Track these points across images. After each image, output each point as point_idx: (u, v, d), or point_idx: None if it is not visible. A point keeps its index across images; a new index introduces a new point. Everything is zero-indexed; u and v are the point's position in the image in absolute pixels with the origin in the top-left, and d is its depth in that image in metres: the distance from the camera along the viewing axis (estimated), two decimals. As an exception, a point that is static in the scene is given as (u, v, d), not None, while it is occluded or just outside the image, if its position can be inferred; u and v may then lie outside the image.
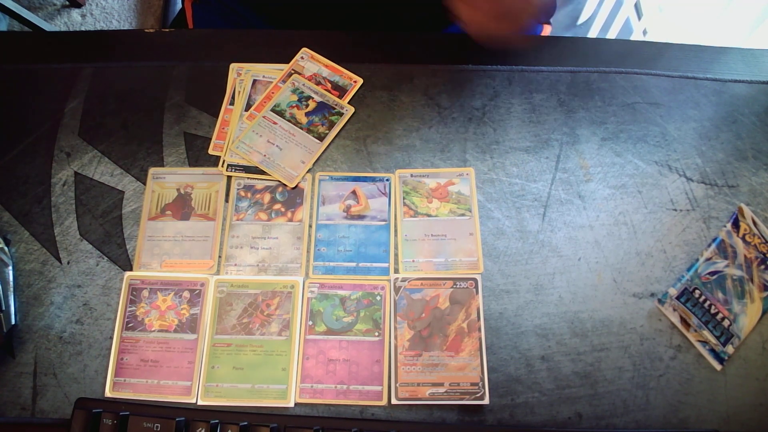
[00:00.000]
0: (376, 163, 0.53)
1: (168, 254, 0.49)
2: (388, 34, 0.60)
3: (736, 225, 0.50)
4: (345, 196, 0.51)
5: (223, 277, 0.48)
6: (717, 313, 0.47)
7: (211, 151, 0.53)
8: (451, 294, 0.48)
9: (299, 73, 0.56)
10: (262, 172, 0.52)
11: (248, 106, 0.55)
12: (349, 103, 0.55)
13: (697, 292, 0.48)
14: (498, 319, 0.47)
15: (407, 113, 0.55)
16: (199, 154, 0.53)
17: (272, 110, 0.54)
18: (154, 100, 0.55)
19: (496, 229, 0.50)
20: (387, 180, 0.52)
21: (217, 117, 0.54)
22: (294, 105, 0.54)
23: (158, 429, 0.41)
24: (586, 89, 0.56)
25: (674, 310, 0.47)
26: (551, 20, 0.72)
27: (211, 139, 0.53)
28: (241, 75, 0.56)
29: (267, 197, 0.51)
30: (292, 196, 0.51)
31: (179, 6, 0.77)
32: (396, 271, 0.49)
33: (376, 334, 0.47)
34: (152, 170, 0.52)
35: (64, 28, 1.48)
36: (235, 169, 0.52)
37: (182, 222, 0.50)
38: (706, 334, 0.46)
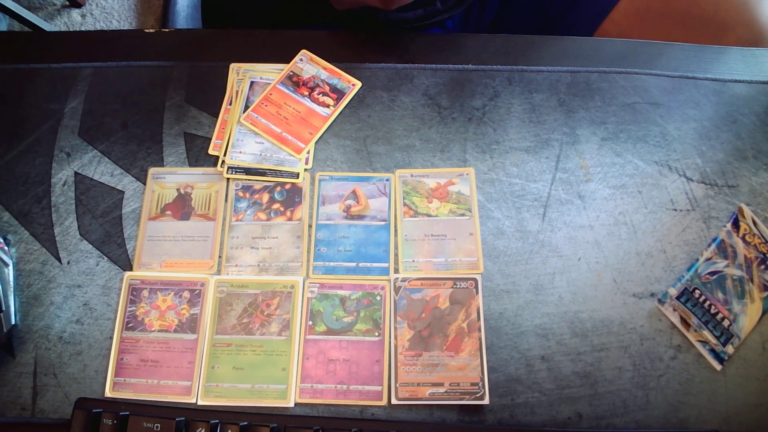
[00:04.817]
0: (376, 163, 0.53)
1: (168, 254, 0.49)
2: (388, 34, 0.60)
3: (736, 225, 0.50)
4: (345, 196, 0.51)
5: (223, 277, 0.48)
6: (717, 313, 0.47)
7: (211, 151, 0.53)
8: (451, 294, 0.48)
9: (298, 76, 0.56)
10: (264, 173, 0.52)
11: (246, 108, 0.55)
12: (348, 105, 0.55)
13: (697, 292, 0.48)
14: (498, 319, 0.47)
15: (407, 113, 0.55)
16: (199, 154, 0.53)
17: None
18: (154, 100, 0.55)
19: (496, 229, 0.50)
20: (387, 180, 0.52)
21: (217, 117, 0.54)
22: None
23: (158, 429, 0.41)
24: (586, 89, 0.56)
25: (674, 310, 0.47)
26: None
27: (211, 139, 0.53)
28: (239, 75, 0.56)
29: (265, 197, 0.51)
30: (291, 195, 0.51)
31: (179, 6, 0.77)
32: (396, 271, 0.49)
33: (376, 334, 0.47)
34: (152, 170, 0.52)
35: (64, 28, 1.48)
36: (236, 172, 0.52)
37: (182, 222, 0.50)
38: (706, 334, 0.46)
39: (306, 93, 0.55)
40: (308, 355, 0.46)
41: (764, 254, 0.49)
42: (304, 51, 0.57)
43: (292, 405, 0.45)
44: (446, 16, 0.67)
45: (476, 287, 0.48)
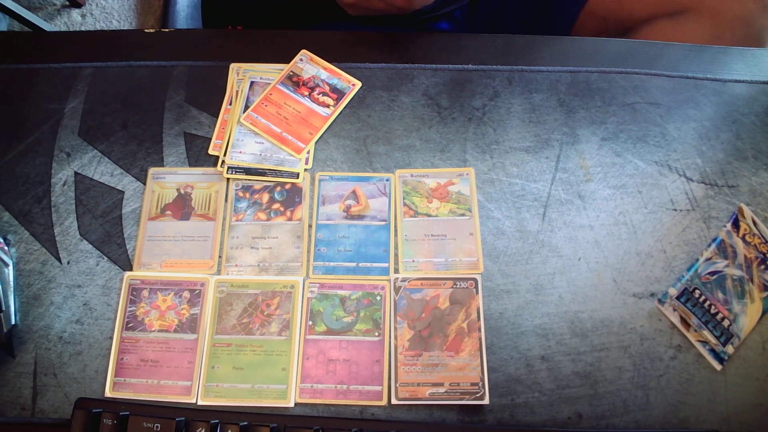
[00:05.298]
0: (376, 163, 0.53)
1: (168, 254, 0.49)
2: (388, 34, 0.60)
3: (736, 225, 0.50)
4: (345, 196, 0.51)
5: (223, 277, 0.48)
6: (717, 313, 0.47)
7: (211, 151, 0.53)
8: (451, 294, 0.48)
9: (298, 76, 0.56)
10: (264, 173, 0.52)
11: (246, 108, 0.55)
12: (348, 105, 0.55)
13: (697, 292, 0.48)
14: (498, 319, 0.47)
15: (407, 113, 0.55)
16: (199, 154, 0.53)
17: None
18: (154, 100, 0.55)
19: (496, 229, 0.50)
20: (387, 180, 0.52)
21: (217, 117, 0.54)
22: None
23: (158, 429, 0.41)
24: (586, 89, 0.56)
25: (674, 310, 0.47)
26: None
27: (211, 139, 0.53)
28: (239, 75, 0.56)
29: (265, 197, 0.51)
30: (291, 195, 0.51)
31: (179, 6, 0.77)
32: (396, 271, 0.49)
33: (376, 334, 0.47)
34: (152, 170, 0.52)
35: (64, 28, 1.48)
36: (236, 172, 0.52)
37: (182, 222, 0.50)
38: (706, 334, 0.46)
39: (306, 93, 0.55)
40: (308, 355, 0.46)
41: (764, 254, 0.49)
42: (304, 51, 0.57)
43: (292, 405, 0.45)
44: (455, 6, 0.66)
45: (476, 287, 0.48)
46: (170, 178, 0.52)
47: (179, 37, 0.59)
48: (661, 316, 0.47)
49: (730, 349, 0.46)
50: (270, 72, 0.56)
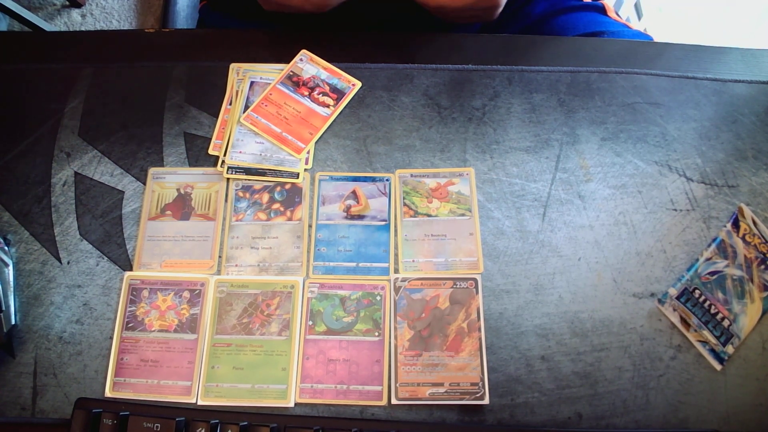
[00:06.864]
0: (376, 163, 0.53)
1: (168, 254, 0.49)
2: (388, 34, 0.60)
3: (736, 225, 0.50)
4: (345, 196, 0.51)
5: (223, 277, 0.48)
6: (717, 313, 0.47)
7: (211, 151, 0.53)
8: (451, 294, 0.48)
9: (298, 76, 0.56)
10: (264, 173, 0.52)
11: (246, 108, 0.55)
12: (348, 105, 0.55)
13: (697, 292, 0.48)
14: (498, 319, 0.47)
15: (407, 113, 0.55)
16: (199, 154, 0.53)
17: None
18: (154, 100, 0.55)
19: (496, 229, 0.50)
20: (387, 180, 0.52)
21: (217, 117, 0.54)
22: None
23: (158, 429, 0.41)
24: (586, 89, 0.56)
25: (674, 310, 0.47)
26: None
27: (211, 139, 0.53)
28: (239, 75, 0.56)
29: (265, 197, 0.51)
30: (291, 195, 0.51)
31: (179, 6, 0.77)
32: (396, 271, 0.49)
33: (376, 334, 0.47)
34: (152, 170, 0.52)
35: (64, 28, 1.48)
36: (236, 172, 0.52)
37: (182, 222, 0.50)
38: (706, 334, 0.46)
39: (306, 93, 0.55)
40: (308, 355, 0.46)
41: (764, 254, 0.49)
42: (304, 51, 0.57)
43: (292, 405, 0.45)
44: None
45: (476, 287, 0.48)
46: (170, 178, 0.52)
47: (179, 37, 0.59)
48: (661, 316, 0.47)
49: (730, 349, 0.46)
50: (270, 72, 0.56)
